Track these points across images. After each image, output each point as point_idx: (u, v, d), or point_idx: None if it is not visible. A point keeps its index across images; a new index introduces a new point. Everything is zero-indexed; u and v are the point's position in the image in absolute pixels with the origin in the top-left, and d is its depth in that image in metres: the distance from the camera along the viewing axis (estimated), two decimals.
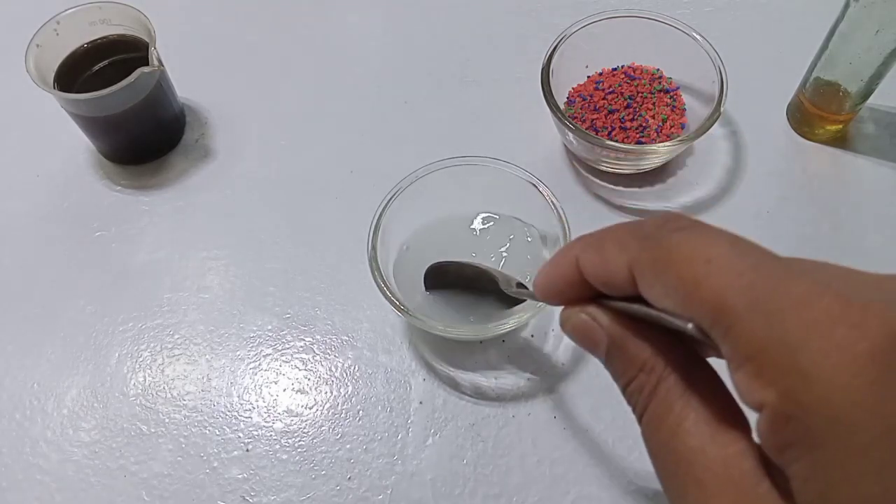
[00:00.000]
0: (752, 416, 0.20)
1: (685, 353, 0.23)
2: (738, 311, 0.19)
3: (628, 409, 0.44)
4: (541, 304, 0.40)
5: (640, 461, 0.41)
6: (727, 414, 0.21)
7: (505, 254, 0.44)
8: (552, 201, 0.43)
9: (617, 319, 0.24)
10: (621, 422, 0.42)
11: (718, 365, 0.22)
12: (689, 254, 0.20)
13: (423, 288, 0.44)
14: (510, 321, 0.40)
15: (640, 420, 0.23)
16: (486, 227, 0.45)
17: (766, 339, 0.18)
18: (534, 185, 0.43)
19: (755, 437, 0.20)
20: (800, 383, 0.17)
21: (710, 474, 0.20)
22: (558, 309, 0.26)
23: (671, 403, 0.21)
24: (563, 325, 0.26)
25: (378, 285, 0.41)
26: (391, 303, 0.40)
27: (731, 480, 0.20)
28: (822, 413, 0.17)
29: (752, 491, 0.19)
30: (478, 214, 0.46)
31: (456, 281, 0.43)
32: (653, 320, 0.22)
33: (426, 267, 0.43)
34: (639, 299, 0.22)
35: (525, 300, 0.40)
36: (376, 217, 0.43)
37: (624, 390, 0.24)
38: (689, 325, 0.20)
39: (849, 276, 0.19)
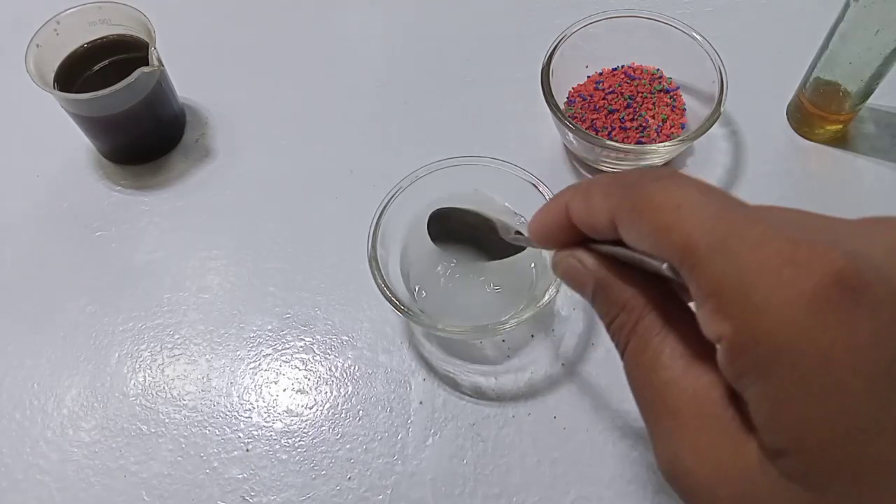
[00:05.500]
0: None
1: (664, 294, 0.24)
2: (702, 253, 0.20)
3: (628, 408, 0.44)
4: (541, 304, 0.40)
5: (640, 461, 0.41)
6: (700, 350, 0.23)
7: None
8: None
9: (602, 262, 0.26)
10: (621, 422, 0.42)
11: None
12: (662, 201, 0.22)
13: (428, 239, 0.43)
14: (510, 321, 0.40)
15: (622, 356, 0.25)
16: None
17: (725, 278, 0.20)
18: (534, 185, 0.43)
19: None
20: (752, 317, 0.19)
21: (682, 404, 0.22)
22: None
23: (649, 340, 0.23)
24: (554, 267, 0.28)
25: (378, 285, 0.41)
26: (391, 303, 0.40)
27: (700, 408, 0.22)
28: (770, 344, 0.19)
29: (719, 417, 0.21)
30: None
31: (459, 228, 0.43)
32: (634, 262, 0.24)
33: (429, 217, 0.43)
34: (622, 243, 0.24)
35: (523, 248, 0.40)
36: (376, 217, 0.43)
37: (608, 328, 0.26)
38: (664, 266, 0.22)
39: (802, 220, 0.21)
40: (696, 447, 0.21)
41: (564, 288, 0.45)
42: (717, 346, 0.20)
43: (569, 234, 0.26)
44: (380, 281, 0.41)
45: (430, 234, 0.43)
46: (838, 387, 0.18)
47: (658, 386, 0.23)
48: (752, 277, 0.19)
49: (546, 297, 0.40)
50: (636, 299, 0.24)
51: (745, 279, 0.19)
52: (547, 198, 0.43)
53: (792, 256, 0.19)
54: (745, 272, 0.19)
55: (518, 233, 0.39)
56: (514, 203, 0.45)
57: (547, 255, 0.44)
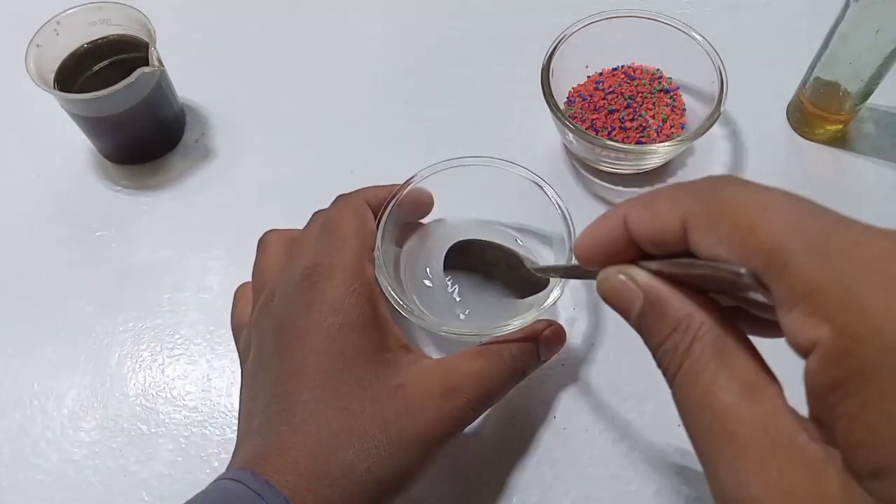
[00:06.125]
0: (788, 379, 0.21)
1: (719, 316, 0.23)
2: (794, 253, 0.19)
3: (628, 408, 0.44)
4: (545, 306, 0.40)
5: (639, 462, 0.41)
6: (760, 375, 0.21)
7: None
8: (556, 201, 0.42)
9: (655, 279, 0.24)
10: (621, 422, 0.42)
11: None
12: (745, 203, 0.21)
13: (438, 272, 0.44)
14: (512, 322, 0.40)
15: (671, 380, 0.23)
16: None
17: (822, 278, 0.18)
18: (538, 184, 0.43)
19: (804, 380, 0.20)
20: (855, 317, 0.18)
21: (744, 429, 0.20)
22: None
23: (706, 362, 0.22)
24: (599, 284, 0.26)
25: (378, 285, 0.41)
26: (392, 303, 0.40)
27: (767, 434, 0.20)
28: (876, 344, 0.17)
29: (790, 442, 0.20)
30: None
31: (476, 263, 0.42)
32: (700, 271, 0.23)
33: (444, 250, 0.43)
34: (683, 258, 0.23)
35: (545, 286, 0.39)
36: (376, 217, 0.43)
37: (656, 350, 0.24)
38: (743, 270, 0.21)
39: (892, 229, 0.20)
40: (764, 475, 0.20)
41: (566, 288, 0.45)
42: (809, 357, 0.19)
43: (621, 251, 0.25)
44: (380, 281, 0.41)
45: (445, 265, 0.43)
46: None
47: (717, 410, 0.21)
48: (855, 276, 0.18)
49: (550, 300, 0.40)
50: (692, 318, 0.23)
51: (847, 278, 0.18)
52: (552, 198, 0.42)
53: None
54: (846, 271, 0.18)
55: (541, 268, 0.39)
56: (516, 204, 0.45)
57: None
